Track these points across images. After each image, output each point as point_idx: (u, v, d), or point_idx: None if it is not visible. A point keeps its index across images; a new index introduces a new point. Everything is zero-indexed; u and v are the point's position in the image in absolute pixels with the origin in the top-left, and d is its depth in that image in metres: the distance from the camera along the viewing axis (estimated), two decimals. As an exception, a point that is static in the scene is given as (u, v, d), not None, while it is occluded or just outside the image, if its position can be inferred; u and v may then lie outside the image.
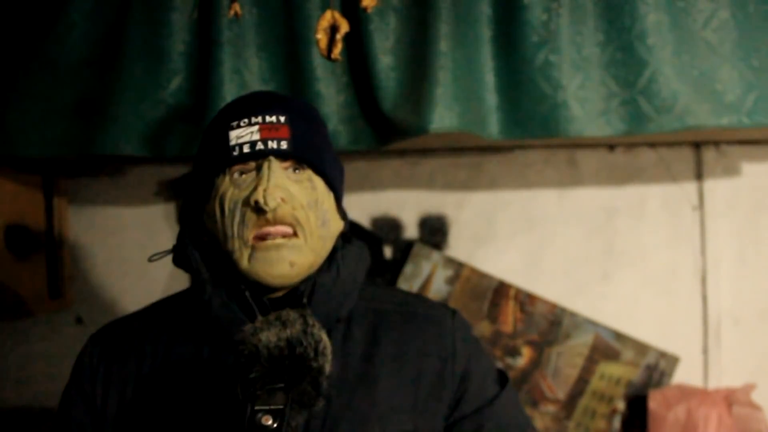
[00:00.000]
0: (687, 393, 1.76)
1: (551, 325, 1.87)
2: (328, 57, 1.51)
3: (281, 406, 0.72)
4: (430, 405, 0.94)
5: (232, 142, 0.90)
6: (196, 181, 0.97)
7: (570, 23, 1.47)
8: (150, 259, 1.01)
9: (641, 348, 1.85)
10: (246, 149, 0.90)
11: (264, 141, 0.90)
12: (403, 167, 1.93)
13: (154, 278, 1.93)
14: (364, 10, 1.48)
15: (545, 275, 1.90)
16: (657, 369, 1.85)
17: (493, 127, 1.50)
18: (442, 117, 1.42)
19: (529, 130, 1.48)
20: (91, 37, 1.54)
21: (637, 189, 1.90)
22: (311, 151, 0.93)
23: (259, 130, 0.90)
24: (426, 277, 1.88)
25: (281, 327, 0.75)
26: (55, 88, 1.54)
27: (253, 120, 0.91)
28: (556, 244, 1.91)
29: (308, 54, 1.51)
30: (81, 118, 1.54)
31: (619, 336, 1.86)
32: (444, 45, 1.45)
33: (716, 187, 1.88)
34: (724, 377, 1.86)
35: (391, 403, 0.92)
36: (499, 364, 1.87)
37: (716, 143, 1.88)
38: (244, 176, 0.91)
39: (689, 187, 1.89)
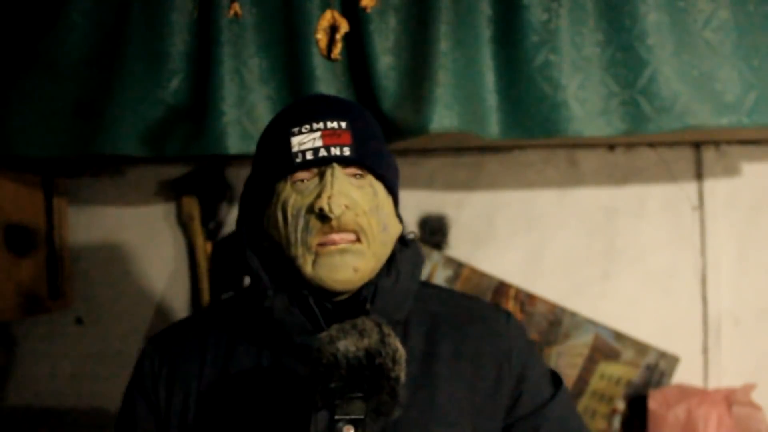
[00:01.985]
0: (687, 393, 1.76)
1: (551, 325, 1.87)
2: (328, 57, 1.51)
3: (361, 416, 0.73)
4: (488, 406, 0.95)
5: (295, 149, 0.90)
6: (256, 186, 0.96)
7: (570, 23, 1.47)
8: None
9: (641, 348, 1.85)
10: (309, 156, 0.90)
11: (327, 148, 0.90)
12: (403, 167, 1.91)
13: (154, 278, 1.93)
14: (364, 9, 1.48)
15: (545, 275, 1.90)
16: (657, 369, 1.85)
17: (493, 127, 1.50)
18: (442, 117, 1.42)
19: (529, 130, 1.48)
20: (91, 37, 1.54)
21: (637, 189, 1.90)
22: (372, 157, 0.93)
23: (322, 136, 0.90)
24: (426, 277, 1.88)
25: (359, 336, 0.76)
26: (55, 88, 1.54)
27: (315, 126, 0.91)
28: (556, 244, 1.91)
29: (308, 54, 1.51)
30: (81, 118, 1.54)
31: (619, 336, 1.86)
32: (444, 45, 1.45)
33: (716, 187, 1.88)
34: (724, 377, 1.86)
35: (451, 404, 0.93)
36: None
37: (716, 143, 1.88)
38: (306, 183, 0.91)
39: (689, 187, 1.89)
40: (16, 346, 1.95)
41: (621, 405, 1.86)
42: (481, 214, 1.92)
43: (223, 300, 1.07)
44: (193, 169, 1.92)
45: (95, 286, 1.94)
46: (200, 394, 0.94)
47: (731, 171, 1.89)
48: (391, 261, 0.96)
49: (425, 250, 1.89)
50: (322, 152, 0.89)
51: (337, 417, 0.73)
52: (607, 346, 1.86)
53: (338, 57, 1.51)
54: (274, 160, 0.92)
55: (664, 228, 1.89)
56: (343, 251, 0.89)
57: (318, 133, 0.90)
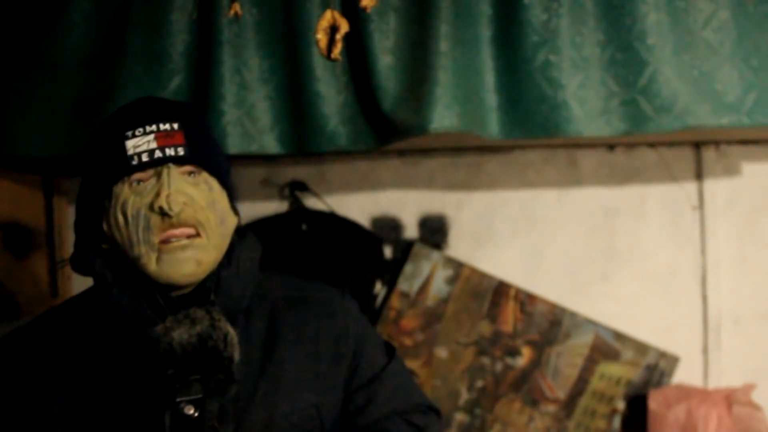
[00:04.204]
0: (687, 393, 1.76)
1: (551, 325, 1.87)
2: (328, 57, 1.51)
3: (200, 396, 0.81)
4: (329, 380, 1.02)
5: (130, 152, 0.94)
6: (91, 189, 0.99)
7: (570, 23, 1.47)
8: (57, 266, 1.05)
9: (641, 348, 1.85)
10: (145, 158, 0.93)
11: (162, 149, 0.93)
12: (403, 167, 1.93)
13: (154, 278, 1.93)
14: (364, 9, 1.48)
15: (545, 275, 1.90)
16: (657, 369, 1.85)
17: (493, 127, 1.50)
18: (442, 117, 1.42)
19: (529, 130, 1.48)
20: (91, 37, 1.54)
21: (637, 189, 1.90)
22: (206, 155, 0.97)
23: (155, 138, 0.94)
24: (426, 277, 1.88)
25: (191, 324, 0.84)
26: (55, 88, 1.54)
27: (148, 129, 0.95)
28: (556, 244, 1.91)
29: (308, 54, 1.50)
30: (81, 118, 1.54)
31: (619, 336, 1.86)
32: (444, 45, 1.45)
33: (716, 187, 1.88)
34: (724, 377, 1.86)
35: (296, 382, 1.00)
36: (499, 364, 1.88)
37: (716, 143, 1.88)
38: (143, 184, 0.94)
39: (689, 187, 1.90)
40: (16, 346, 1.94)
41: (621, 405, 1.86)
42: (481, 214, 1.92)
43: (70, 300, 1.08)
44: (193, 169, 1.91)
45: (95, 286, 1.94)
46: (51, 400, 0.96)
47: (731, 171, 1.89)
48: (230, 252, 1.00)
49: (425, 250, 1.89)
50: (158, 153, 0.93)
51: (178, 399, 0.81)
52: (607, 346, 1.86)
53: (338, 57, 1.51)
54: (110, 164, 0.95)
55: (664, 228, 1.90)
56: (185, 247, 0.93)
57: (152, 136, 0.94)
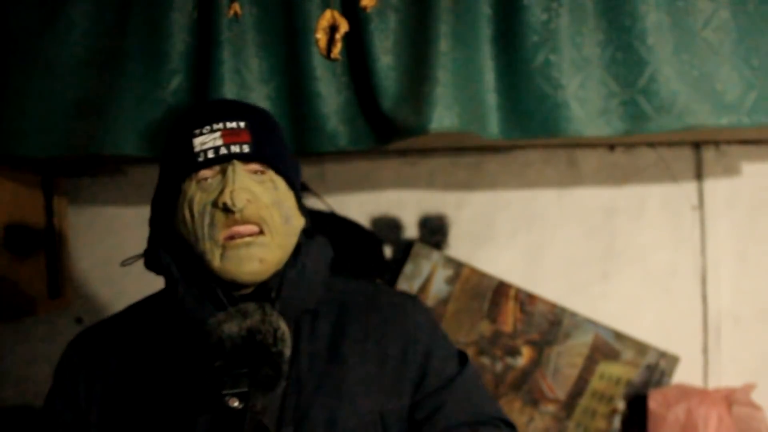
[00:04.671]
0: (687, 393, 1.76)
1: (551, 325, 1.87)
2: (328, 56, 1.51)
3: (246, 389, 0.80)
4: (395, 385, 1.00)
5: (197, 149, 0.96)
6: (163, 187, 1.02)
7: (570, 23, 1.47)
8: (122, 264, 1.08)
9: (641, 348, 1.85)
10: (210, 154, 0.95)
11: (227, 146, 0.95)
12: (403, 167, 1.93)
13: (154, 278, 1.92)
14: (364, 9, 1.48)
15: (545, 275, 1.90)
16: (657, 369, 1.85)
17: (493, 127, 1.50)
18: (442, 117, 1.42)
19: (529, 130, 1.48)
20: (91, 37, 1.54)
21: (637, 189, 1.90)
22: (272, 154, 0.98)
23: (222, 135, 0.96)
24: (426, 277, 1.88)
25: (242, 318, 0.84)
26: (55, 88, 1.54)
27: (215, 126, 0.97)
28: (556, 244, 1.91)
29: (308, 54, 1.51)
30: (81, 118, 1.54)
31: (619, 336, 1.86)
32: (444, 45, 1.45)
33: (716, 187, 1.88)
34: (724, 377, 1.86)
35: (360, 385, 0.98)
36: (499, 364, 1.88)
37: (716, 143, 1.88)
38: (209, 180, 0.96)
39: (689, 187, 1.90)
40: (16, 346, 1.94)
41: (621, 405, 1.86)
42: (481, 214, 1.92)
43: (143, 298, 1.12)
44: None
45: (95, 286, 1.94)
46: (118, 390, 0.99)
47: (731, 171, 1.89)
48: (296, 252, 1.01)
49: (425, 250, 1.89)
50: (223, 150, 0.95)
51: (224, 392, 0.80)
52: (607, 346, 1.86)
53: (338, 57, 1.51)
54: (179, 161, 0.97)
55: (664, 228, 1.90)
56: (248, 244, 0.94)
57: (218, 133, 0.96)
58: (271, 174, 0.98)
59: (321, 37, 1.50)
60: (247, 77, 1.52)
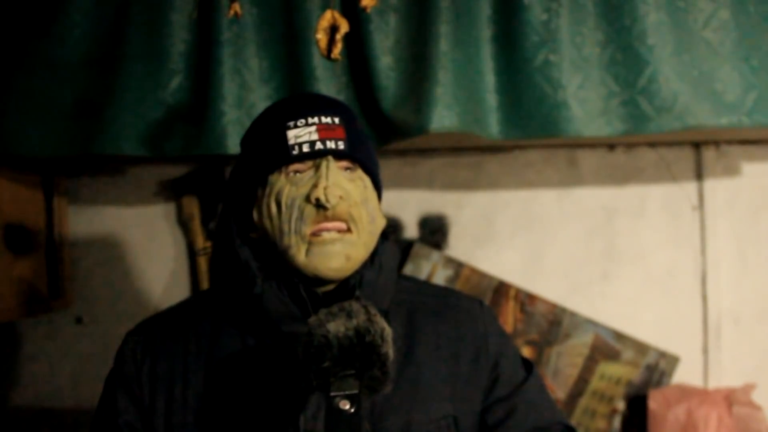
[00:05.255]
0: (687, 393, 1.76)
1: (551, 325, 1.87)
2: (328, 57, 1.51)
3: (356, 391, 0.76)
4: (467, 390, 0.99)
5: (291, 142, 0.93)
6: (245, 179, 0.98)
7: (570, 23, 1.47)
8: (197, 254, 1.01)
9: (641, 348, 1.85)
10: (306, 149, 0.93)
11: (323, 141, 0.93)
12: (403, 167, 1.93)
13: (154, 278, 1.93)
14: (364, 9, 1.48)
15: (545, 275, 1.90)
16: (657, 369, 1.85)
17: (493, 127, 1.50)
18: (442, 117, 1.42)
19: (529, 130, 1.48)
20: (91, 36, 1.54)
21: (637, 189, 1.90)
22: (363, 152, 0.97)
23: (317, 130, 0.94)
24: (426, 277, 1.88)
25: (347, 317, 0.79)
26: (55, 88, 1.54)
27: (310, 120, 0.94)
28: (556, 244, 1.91)
29: (308, 54, 1.51)
30: (81, 118, 1.54)
31: (619, 336, 1.86)
32: (444, 45, 1.45)
33: (716, 187, 1.88)
34: (724, 377, 1.86)
35: (433, 389, 0.96)
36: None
37: (716, 143, 1.88)
38: (301, 174, 0.93)
39: (689, 187, 1.90)
40: (16, 346, 1.94)
41: (621, 405, 1.86)
42: (481, 214, 1.92)
43: (205, 291, 1.08)
44: (193, 169, 1.92)
45: (95, 286, 1.94)
46: (186, 384, 0.95)
47: (731, 171, 1.89)
48: (374, 253, 0.99)
49: (425, 250, 1.89)
50: (318, 145, 0.93)
51: (332, 394, 0.76)
52: (607, 346, 1.86)
53: (338, 57, 1.51)
54: (269, 153, 0.95)
55: (664, 228, 1.90)
56: (335, 240, 0.92)
57: (313, 127, 0.94)
58: (360, 172, 0.96)
59: (321, 37, 1.50)
60: (247, 77, 1.52)
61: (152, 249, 1.93)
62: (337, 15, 1.50)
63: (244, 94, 1.51)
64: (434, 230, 1.92)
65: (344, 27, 1.50)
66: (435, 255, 1.89)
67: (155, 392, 0.96)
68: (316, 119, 0.94)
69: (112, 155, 1.53)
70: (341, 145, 0.93)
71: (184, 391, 0.95)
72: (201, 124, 1.49)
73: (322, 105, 0.97)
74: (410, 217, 1.92)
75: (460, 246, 1.91)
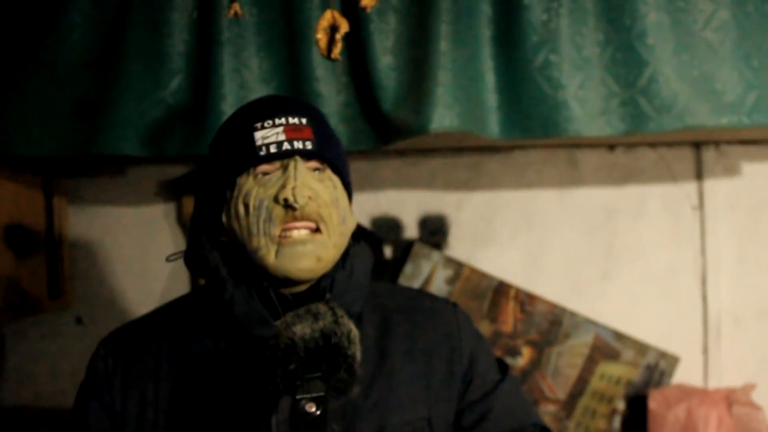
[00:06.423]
0: (687, 393, 1.76)
1: (551, 325, 1.87)
2: (328, 57, 1.51)
3: (322, 393, 0.76)
4: (442, 393, 0.99)
5: (258, 143, 0.93)
6: (213, 181, 0.98)
7: (570, 23, 1.47)
8: (168, 259, 1.04)
9: (641, 348, 1.85)
10: (273, 149, 0.92)
11: (290, 141, 0.93)
12: (403, 167, 1.93)
13: (154, 278, 1.93)
14: (364, 9, 1.48)
15: (545, 275, 1.90)
16: (657, 369, 1.85)
17: (493, 127, 1.50)
18: (442, 117, 1.42)
19: (529, 130, 1.48)
20: (91, 37, 1.54)
21: (637, 189, 1.90)
22: (331, 152, 0.96)
23: (284, 131, 0.93)
24: (426, 277, 1.88)
25: (313, 319, 0.78)
26: (55, 88, 1.54)
27: (278, 121, 0.94)
28: (556, 244, 1.91)
29: (308, 54, 1.51)
30: (81, 118, 1.54)
31: (619, 336, 1.86)
32: (444, 45, 1.45)
33: (716, 187, 1.88)
34: (724, 377, 1.86)
35: (407, 392, 0.96)
36: (499, 364, 1.88)
37: (716, 143, 1.88)
38: (267, 176, 0.93)
39: (689, 187, 1.90)
40: (17, 346, 1.94)
41: (621, 405, 1.86)
42: (481, 214, 1.92)
43: (181, 297, 1.08)
44: (193, 169, 1.92)
45: (95, 286, 1.94)
46: (157, 384, 0.96)
47: (731, 171, 1.89)
48: (345, 255, 0.99)
49: (425, 250, 1.89)
50: (286, 146, 0.93)
51: (299, 397, 0.76)
52: (607, 346, 1.86)
53: (338, 57, 1.51)
54: (236, 154, 0.94)
55: (664, 228, 1.90)
56: (305, 241, 0.91)
57: (281, 128, 0.94)
58: (329, 172, 0.96)
59: (321, 37, 1.50)
60: (247, 77, 1.52)
61: (152, 249, 1.93)
62: (337, 15, 1.50)
63: (244, 94, 1.51)
64: (434, 230, 1.92)
65: (344, 27, 1.50)
66: (435, 255, 1.89)
67: (127, 395, 0.96)
68: (283, 120, 0.94)
69: (112, 155, 1.53)
70: (309, 145, 0.93)
71: (156, 390, 0.95)
72: (201, 124, 1.49)
73: (289, 106, 0.97)
74: (410, 217, 1.92)
75: (460, 246, 1.91)
